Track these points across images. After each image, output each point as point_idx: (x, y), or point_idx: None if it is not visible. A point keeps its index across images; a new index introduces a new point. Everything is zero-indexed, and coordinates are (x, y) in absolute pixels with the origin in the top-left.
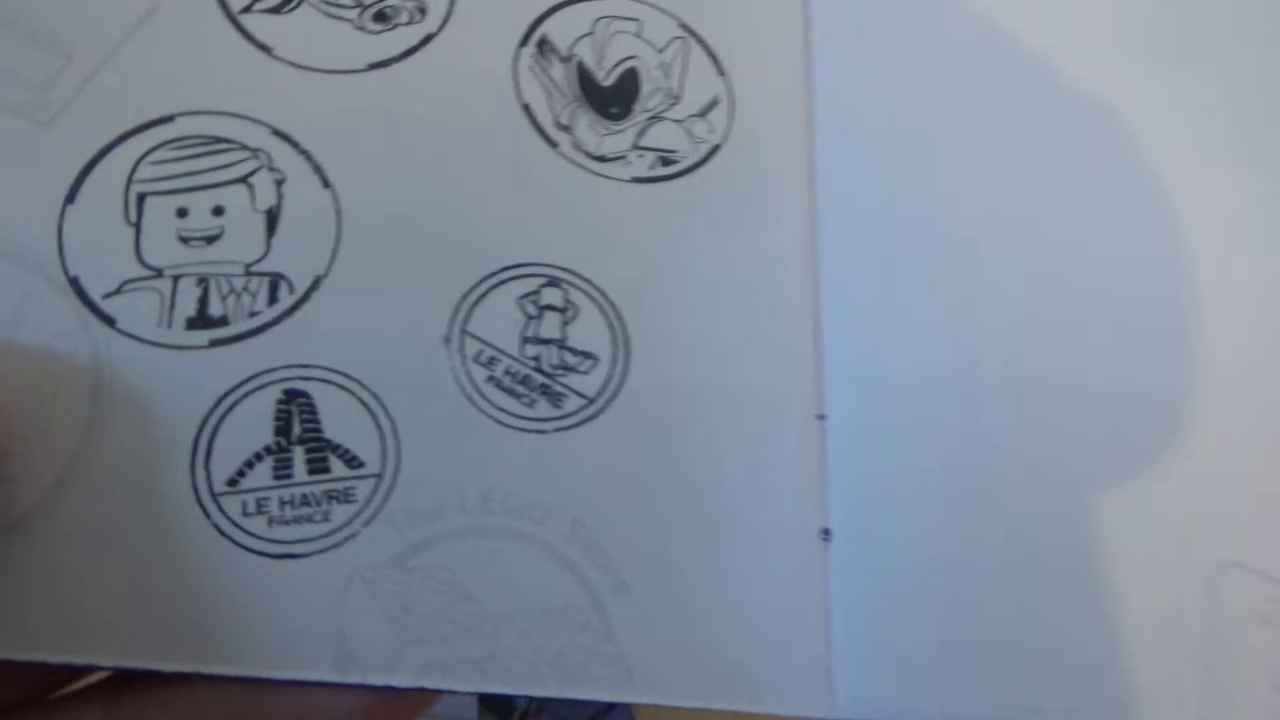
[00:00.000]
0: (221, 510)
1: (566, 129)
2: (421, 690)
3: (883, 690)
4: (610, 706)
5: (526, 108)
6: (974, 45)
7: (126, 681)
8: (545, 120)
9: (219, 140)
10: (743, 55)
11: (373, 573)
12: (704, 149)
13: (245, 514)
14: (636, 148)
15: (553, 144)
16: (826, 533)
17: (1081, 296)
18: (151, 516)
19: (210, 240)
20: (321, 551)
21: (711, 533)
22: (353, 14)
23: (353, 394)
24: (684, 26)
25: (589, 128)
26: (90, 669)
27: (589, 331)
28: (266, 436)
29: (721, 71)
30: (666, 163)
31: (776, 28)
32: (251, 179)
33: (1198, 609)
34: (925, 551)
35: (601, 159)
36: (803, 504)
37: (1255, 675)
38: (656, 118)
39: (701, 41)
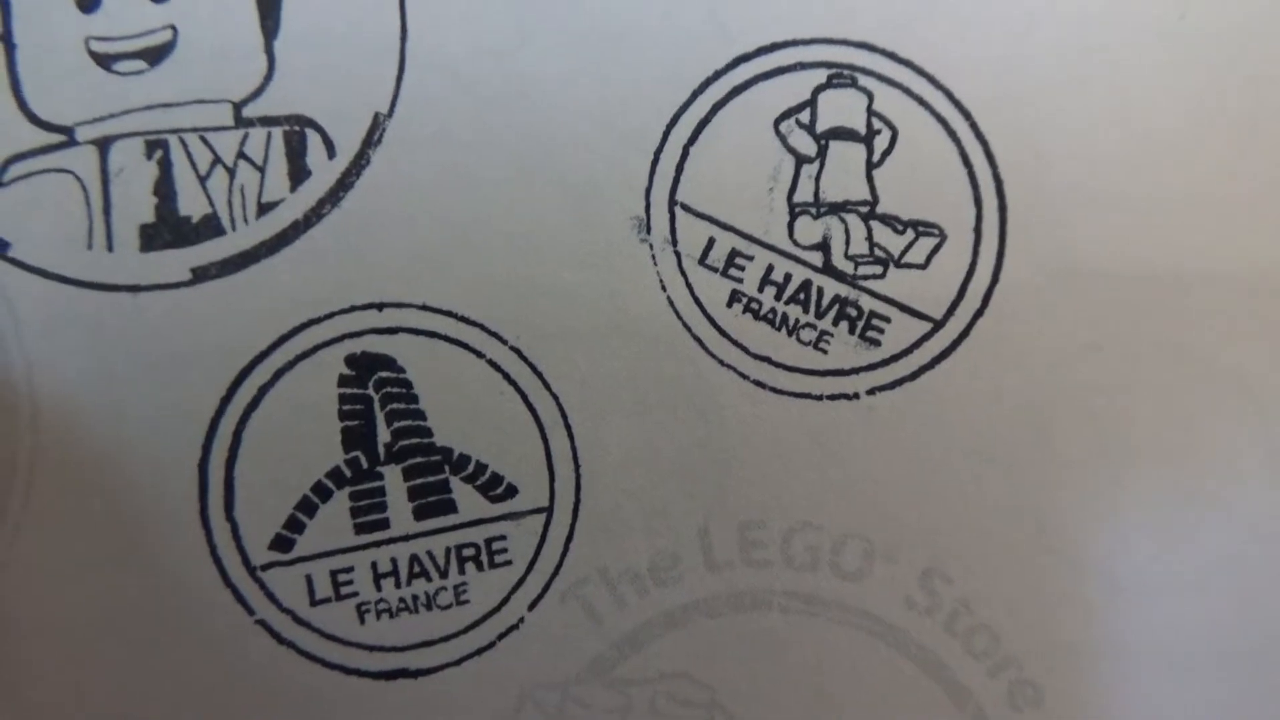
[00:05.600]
0: (270, 595)
1: None
2: None
3: None
4: None
5: None
6: None
7: None
8: None
9: None
10: None
11: (558, 693)
12: None
13: (315, 601)
14: None
15: None
16: None
17: None
18: (158, 613)
19: (154, 57)
20: (459, 661)
21: (1215, 565)
22: None
23: (477, 354)
24: None
25: None
26: None
27: (922, 176)
28: (332, 452)
29: None
30: None
31: None
32: None
33: None
34: None
35: None
36: None
37: None
38: None
39: None
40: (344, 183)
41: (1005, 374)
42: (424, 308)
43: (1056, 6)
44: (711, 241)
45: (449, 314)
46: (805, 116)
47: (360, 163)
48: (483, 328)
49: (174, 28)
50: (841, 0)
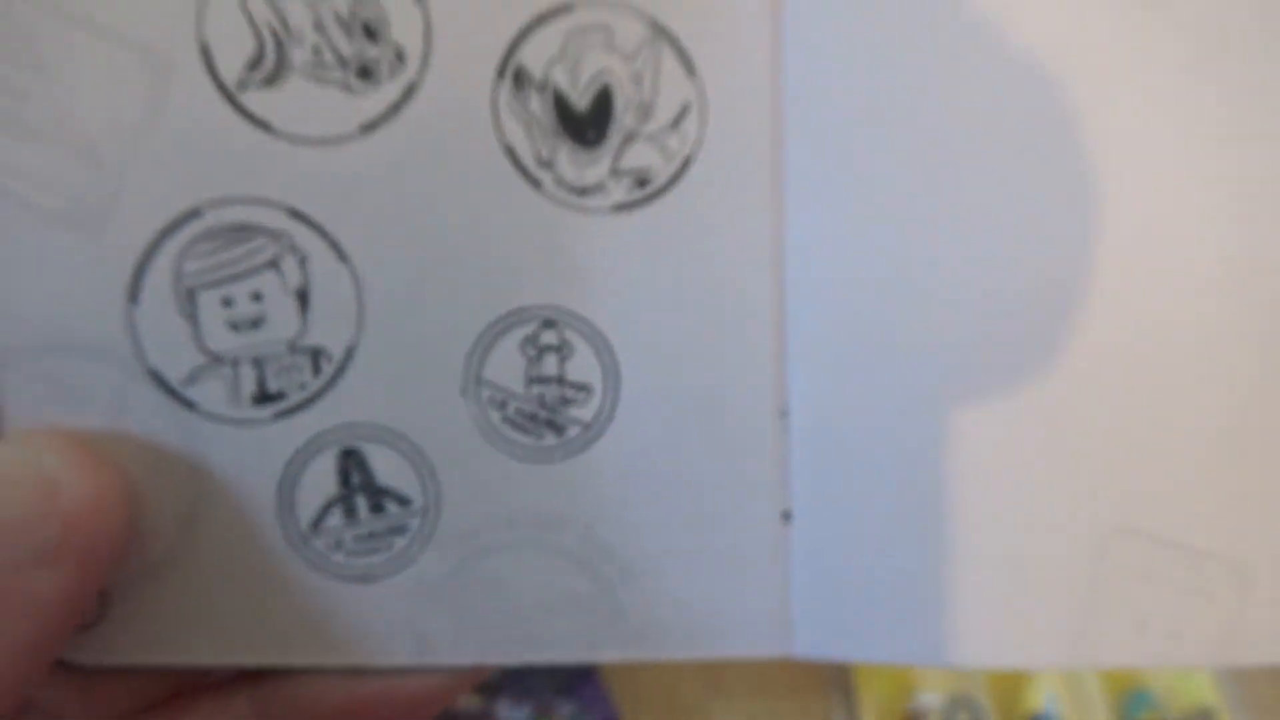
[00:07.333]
0: (309, 548)
1: (548, 165)
2: (480, 666)
3: (838, 632)
4: (578, 679)
5: (509, 150)
6: (952, 31)
7: (257, 675)
8: (528, 160)
9: (244, 228)
10: (713, 50)
11: (434, 584)
12: (676, 163)
13: (328, 550)
14: (614, 172)
15: (537, 184)
16: (787, 515)
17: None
18: (257, 556)
19: (255, 325)
20: (391, 574)
21: (691, 522)
22: (339, 75)
23: (395, 447)
24: (653, 24)
25: (569, 160)
26: (230, 669)
27: (583, 365)
28: (333, 488)
29: (692, 72)
30: (642, 183)
31: (746, 16)
32: (279, 263)
33: (1082, 569)
34: (882, 508)
35: (583, 191)
36: (767, 492)
37: (1122, 619)
38: (631, 137)
39: (672, 39)
40: (337, 375)
41: (625, 451)
42: (373, 426)
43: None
44: (493, 396)
45: (384, 428)
46: (533, 341)
47: (344, 367)
48: (399, 434)
49: (264, 313)
50: (546, 281)
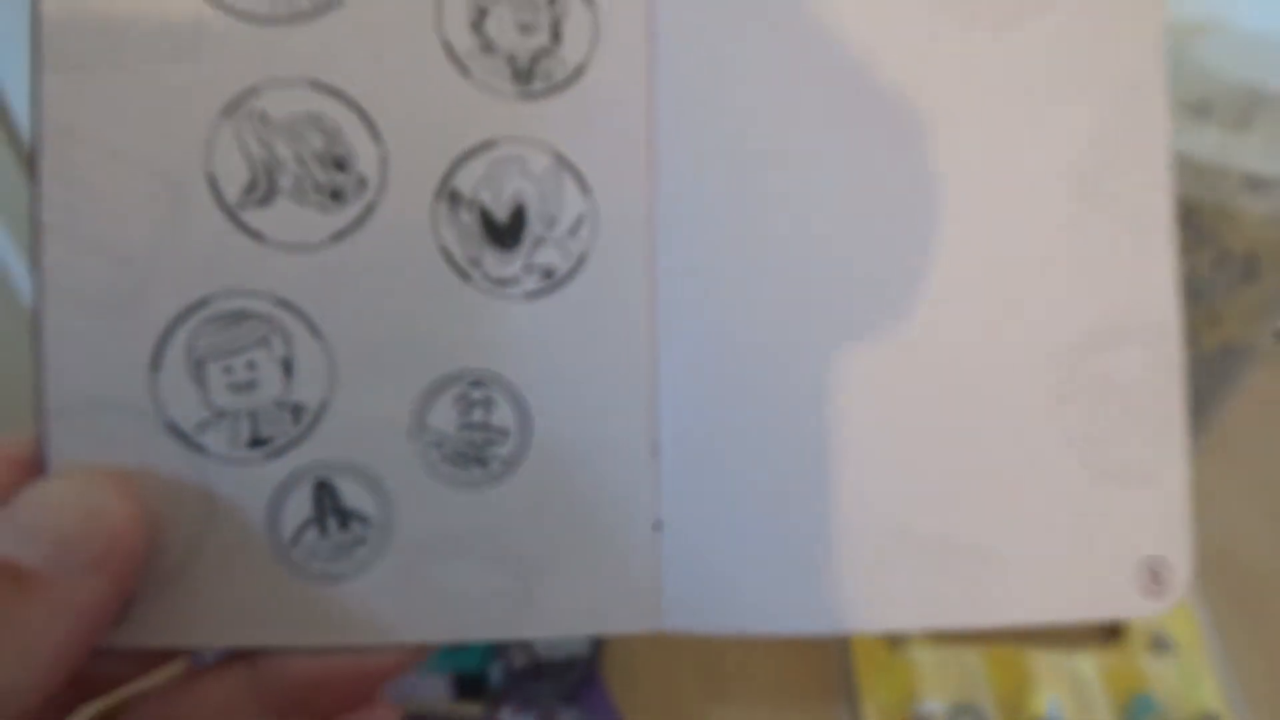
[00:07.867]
0: (291, 559)
1: (476, 264)
2: (424, 644)
3: (696, 613)
4: (581, 687)
5: (446, 252)
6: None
7: (250, 656)
8: (460, 260)
9: (242, 314)
10: (603, 175)
11: (390, 583)
12: (573, 260)
13: (306, 560)
14: (527, 268)
15: (467, 278)
16: (658, 525)
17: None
18: (250, 564)
19: (250, 387)
20: (355, 576)
21: (583, 532)
22: (316, 197)
23: (358, 479)
24: (557, 155)
25: (492, 259)
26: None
27: (503, 415)
28: (309, 511)
29: (586, 191)
30: (548, 276)
31: (628, 149)
32: (269, 340)
33: (874, 552)
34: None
35: (502, 283)
36: (642, 508)
37: (897, 590)
38: (540, 241)
39: (571, 166)
40: (313, 424)
41: (534, 480)
42: (342, 463)
43: None
44: (433, 438)
45: (350, 465)
46: (464, 397)
47: (318, 418)
48: (362, 470)
49: (257, 378)
50: (475, 351)
